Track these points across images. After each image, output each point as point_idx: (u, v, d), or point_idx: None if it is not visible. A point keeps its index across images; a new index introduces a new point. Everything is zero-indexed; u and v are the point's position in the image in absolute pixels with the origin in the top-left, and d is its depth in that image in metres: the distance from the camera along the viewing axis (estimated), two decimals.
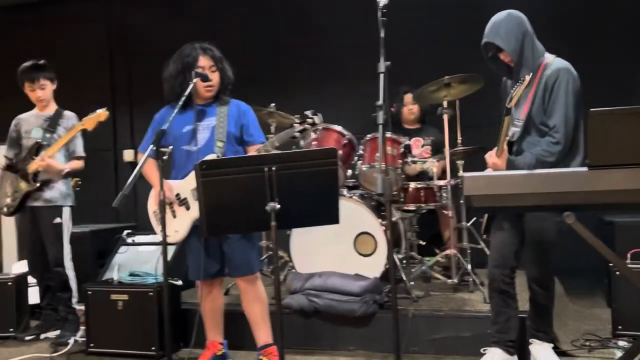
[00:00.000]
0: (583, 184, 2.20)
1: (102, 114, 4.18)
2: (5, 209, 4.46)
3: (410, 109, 5.23)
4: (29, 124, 4.48)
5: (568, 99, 3.02)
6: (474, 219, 4.50)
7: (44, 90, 4.43)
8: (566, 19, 5.55)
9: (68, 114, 4.48)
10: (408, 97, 5.21)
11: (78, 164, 4.44)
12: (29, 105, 4.56)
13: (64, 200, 4.40)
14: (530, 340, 3.33)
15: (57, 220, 4.36)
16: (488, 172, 3.11)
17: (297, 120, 3.38)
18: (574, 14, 5.58)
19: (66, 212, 4.41)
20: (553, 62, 3.13)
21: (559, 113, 3.01)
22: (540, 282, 3.19)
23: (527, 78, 2.86)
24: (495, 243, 3.27)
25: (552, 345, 3.33)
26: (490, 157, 3.12)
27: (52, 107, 4.51)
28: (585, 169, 2.20)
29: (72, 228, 4.47)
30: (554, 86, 3.04)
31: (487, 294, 3.37)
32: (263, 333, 3.52)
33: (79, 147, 4.46)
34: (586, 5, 5.58)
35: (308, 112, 3.34)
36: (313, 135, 4.19)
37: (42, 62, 4.45)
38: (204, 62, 3.45)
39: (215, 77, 3.48)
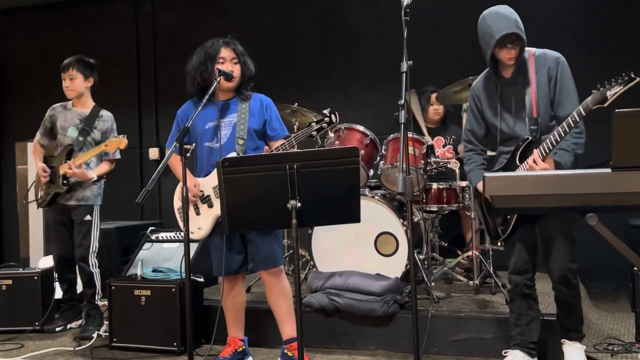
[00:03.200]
0: (606, 186, 2.17)
1: (122, 141, 4.27)
2: (39, 200, 4.57)
3: (436, 108, 5.21)
4: (65, 120, 4.51)
5: (573, 86, 3.02)
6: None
7: (72, 81, 4.44)
8: (591, 15, 5.48)
9: (105, 114, 4.52)
10: (435, 96, 5.19)
11: (106, 167, 4.48)
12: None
13: (95, 199, 4.49)
14: (562, 341, 3.30)
15: (88, 217, 4.45)
16: (509, 173, 3.08)
17: (315, 119, 3.41)
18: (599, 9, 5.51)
19: (97, 210, 4.50)
20: (543, 53, 3.11)
21: (572, 102, 2.99)
22: (565, 281, 3.14)
23: (637, 78, 2.57)
24: (516, 250, 3.24)
25: (584, 346, 3.28)
26: (539, 164, 2.97)
27: (89, 105, 4.55)
28: (608, 170, 2.17)
29: (99, 225, 4.55)
30: (557, 75, 3.02)
31: (508, 298, 3.34)
32: (288, 327, 3.53)
33: (116, 152, 4.48)
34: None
35: (325, 111, 3.36)
36: (331, 134, 4.20)
37: (85, 58, 4.52)
38: (225, 53, 3.48)
39: (236, 69, 3.51)
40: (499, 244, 3.33)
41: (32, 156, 4.79)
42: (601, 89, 2.67)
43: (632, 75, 2.56)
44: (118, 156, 4.52)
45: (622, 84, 2.59)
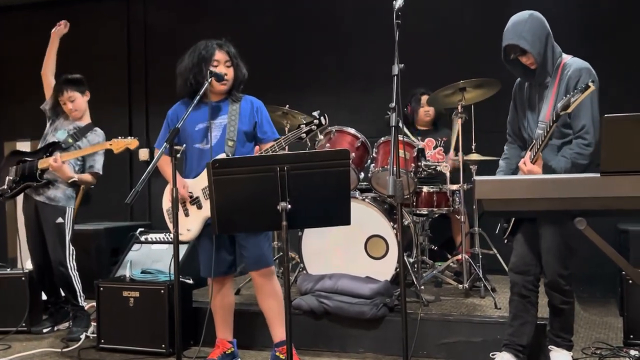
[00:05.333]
0: (595, 190, 2.18)
1: (132, 142, 4.18)
2: (6, 190, 4.45)
3: (426, 110, 5.22)
4: (61, 123, 4.52)
5: (593, 99, 3.01)
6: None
7: (73, 103, 4.47)
8: (591, 20, 5.51)
9: (99, 131, 4.54)
10: (425, 98, 5.21)
11: (88, 178, 4.44)
12: None
13: (67, 201, 4.42)
14: (549, 347, 3.31)
15: (60, 220, 4.38)
16: (500, 177, 3.11)
17: (304, 122, 3.41)
18: (599, 15, 5.53)
19: (69, 213, 4.43)
20: (572, 62, 3.13)
21: (586, 113, 3.00)
22: (555, 286, 3.15)
23: (592, 86, 2.71)
24: (518, 250, 3.26)
25: (571, 353, 3.28)
26: (526, 164, 3.04)
27: (86, 120, 4.57)
28: (597, 174, 2.18)
29: (72, 228, 4.46)
30: (577, 86, 3.03)
31: (509, 297, 3.34)
32: (279, 329, 3.51)
33: (98, 164, 4.47)
34: (613, 5, 5.53)
35: (315, 113, 3.35)
36: (322, 137, 4.19)
37: (73, 76, 4.51)
38: (219, 56, 3.48)
39: (230, 72, 3.50)
40: (505, 241, 3.37)
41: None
42: (568, 96, 2.80)
43: (589, 84, 2.71)
44: (100, 171, 4.49)
45: (581, 92, 2.73)
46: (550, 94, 3.13)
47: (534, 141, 3.13)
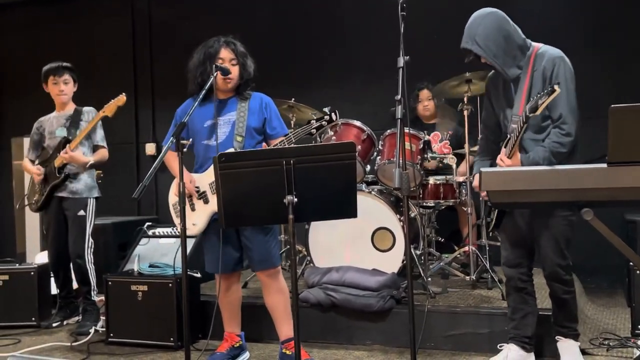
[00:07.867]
0: (602, 181, 2.18)
1: (120, 98, 4.30)
2: (33, 204, 4.60)
3: (425, 105, 5.21)
4: (52, 125, 4.57)
5: (569, 87, 2.96)
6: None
7: (67, 85, 4.54)
8: (591, 19, 5.48)
9: (87, 109, 4.59)
10: (423, 94, 5.19)
11: (102, 154, 4.51)
12: (51, 101, 4.62)
13: (89, 192, 4.49)
14: (556, 338, 3.31)
15: (82, 212, 4.44)
16: (506, 168, 3.09)
17: (315, 117, 3.42)
18: (599, 14, 5.50)
19: (91, 204, 4.49)
20: (544, 51, 3.07)
21: (562, 103, 2.94)
22: (554, 276, 3.14)
23: (557, 89, 2.64)
24: (506, 244, 3.26)
25: (578, 342, 3.26)
26: (503, 161, 3.04)
27: (71, 107, 4.62)
28: (604, 165, 2.18)
29: (94, 220, 4.54)
30: (552, 76, 2.99)
31: (505, 291, 3.35)
32: (286, 326, 3.52)
33: (99, 137, 4.54)
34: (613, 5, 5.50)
35: (326, 109, 3.37)
36: (330, 132, 4.20)
37: (62, 63, 4.57)
38: (225, 54, 3.47)
39: (234, 71, 3.50)
40: (490, 233, 3.37)
41: (25, 172, 4.77)
42: (535, 97, 2.74)
43: (554, 88, 2.64)
44: (103, 143, 4.55)
45: (548, 94, 2.67)
46: (523, 87, 3.07)
47: (509, 136, 3.09)
